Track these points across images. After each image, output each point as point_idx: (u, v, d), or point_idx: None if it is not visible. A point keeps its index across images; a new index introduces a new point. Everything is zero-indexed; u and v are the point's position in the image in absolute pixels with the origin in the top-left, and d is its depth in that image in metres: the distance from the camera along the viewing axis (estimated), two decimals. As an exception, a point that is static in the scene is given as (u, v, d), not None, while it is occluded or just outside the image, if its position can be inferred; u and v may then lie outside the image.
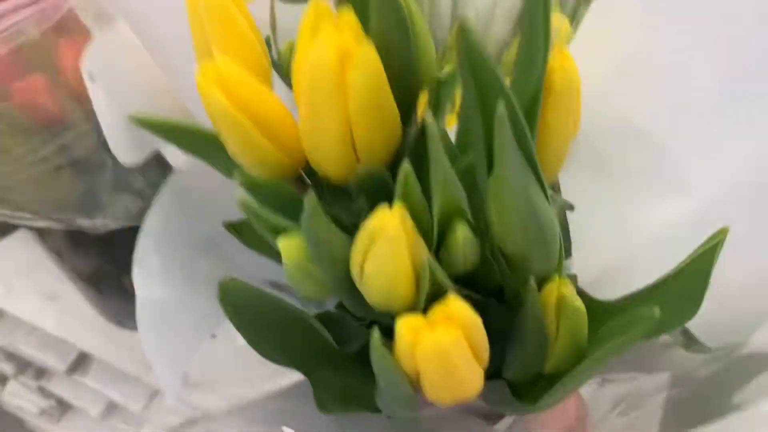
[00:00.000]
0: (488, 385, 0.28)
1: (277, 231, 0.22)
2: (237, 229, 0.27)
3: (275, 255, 0.24)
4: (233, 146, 0.21)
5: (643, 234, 0.30)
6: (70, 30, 0.44)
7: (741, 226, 0.25)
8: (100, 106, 0.24)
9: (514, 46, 0.51)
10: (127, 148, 0.26)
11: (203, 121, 0.23)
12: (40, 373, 0.98)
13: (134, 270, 0.28)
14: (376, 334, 0.20)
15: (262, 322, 0.26)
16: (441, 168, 0.21)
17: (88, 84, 0.23)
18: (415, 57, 0.22)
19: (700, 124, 0.28)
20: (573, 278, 0.28)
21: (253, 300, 0.25)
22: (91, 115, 0.35)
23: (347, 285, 0.22)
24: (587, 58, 0.28)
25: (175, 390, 0.28)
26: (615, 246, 0.31)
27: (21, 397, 1.04)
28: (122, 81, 0.25)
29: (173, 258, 0.29)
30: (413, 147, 0.23)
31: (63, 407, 1.05)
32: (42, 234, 0.59)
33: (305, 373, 0.27)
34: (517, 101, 0.20)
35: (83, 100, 0.37)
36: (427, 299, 0.21)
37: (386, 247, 0.20)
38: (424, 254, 0.21)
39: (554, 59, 0.21)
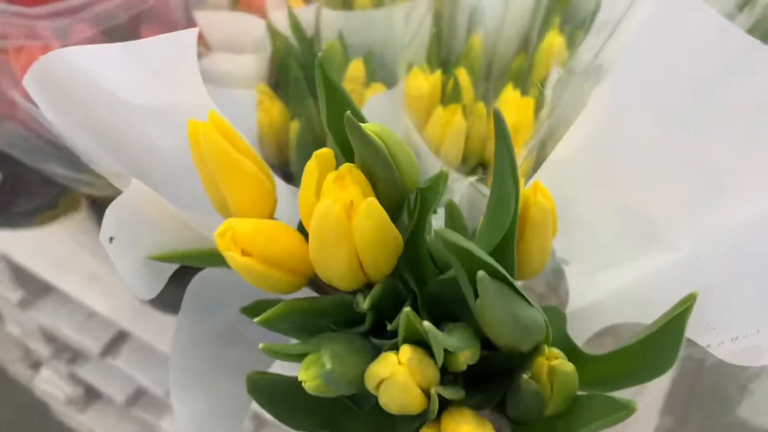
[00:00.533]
0: (494, 419, 0.30)
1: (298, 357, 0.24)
2: (252, 311, 0.29)
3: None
4: (251, 282, 0.23)
5: (631, 281, 0.31)
6: (152, 20, 0.46)
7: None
8: (119, 261, 0.26)
9: (518, 59, 0.52)
10: (145, 285, 0.27)
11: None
12: (74, 357, 1.00)
13: (171, 390, 0.29)
14: None
15: (290, 402, 0.28)
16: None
17: (105, 245, 0.25)
18: (397, 175, 0.23)
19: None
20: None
21: (277, 386, 0.27)
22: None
23: (365, 396, 0.24)
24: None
25: None
26: (607, 287, 0.32)
27: (52, 384, 1.07)
28: (140, 231, 0.26)
29: (203, 361, 0.30)
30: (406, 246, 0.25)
31: (90, 396, 1.08)
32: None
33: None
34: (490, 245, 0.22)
35: None
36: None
37: (395, 388, 0.22)
38: (431, 376, 0.23)
39: (530, 193, 0.23)
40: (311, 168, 0.22)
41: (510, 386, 0.28)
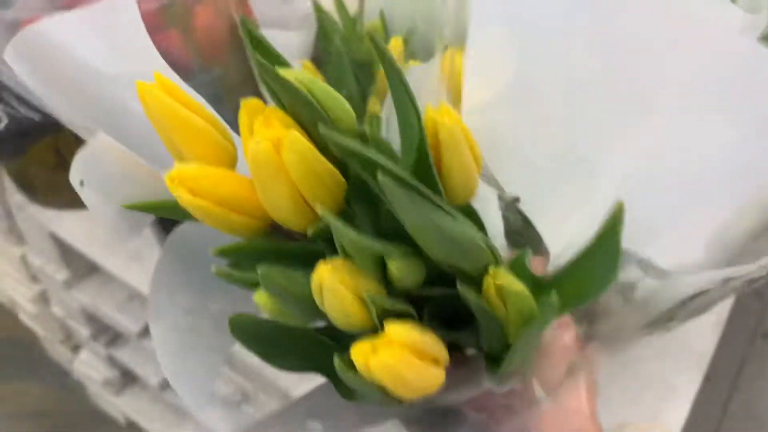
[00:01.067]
0: (470, 358, 0.31)
1: (253, 284, 0.26)
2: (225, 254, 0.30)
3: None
4: (207, 221, 0.25)
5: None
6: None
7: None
8: (93, 206, 0.27)
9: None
10: (124, 229, 0.29)
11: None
12: (113, 339, 1.04)
13: (149, 316, 0.31)
14: (338, 361, 0.24)
15: (271, 342, 0.29)
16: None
17: (77, 189, 0.26)
18: (326, 118, 0.25)
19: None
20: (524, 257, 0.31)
21: (259, 327, 0.29)
22: (211, 67, 0.38)
23: (319, 314, 0.26)
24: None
25: (202, 409, 0.31)
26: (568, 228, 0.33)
27: (90, 366, 1.11)
28: (109, 178, 0.28)
29: (183, 299, 0.32)
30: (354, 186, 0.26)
31: (126, 379, 1.11)
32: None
33: (322, 373, 0.30)
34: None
35: (206, 56, 0.43)
36: (381, 319, 0.25)
37: (330, 294, 0.24)
38: (369, 289, 0.24)
39: (438, 116, 0.24)
40: (242, 118, 0.24)
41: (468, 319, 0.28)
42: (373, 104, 0.47)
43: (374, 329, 0.25)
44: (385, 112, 0.36)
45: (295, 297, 0.25)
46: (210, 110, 0.26)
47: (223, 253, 0.26)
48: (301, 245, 0.28)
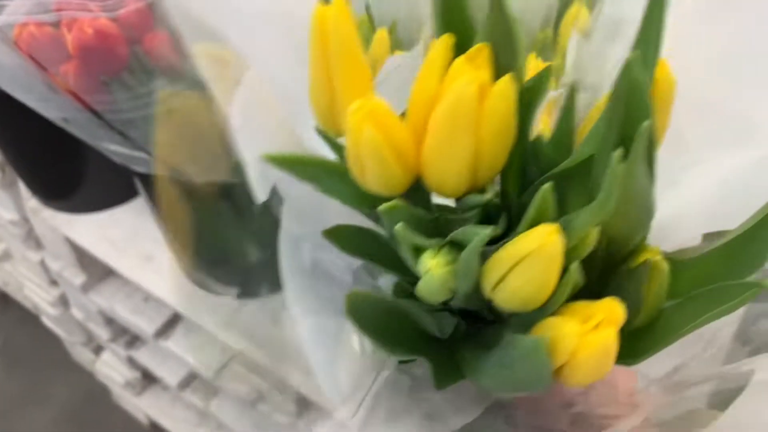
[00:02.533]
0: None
1: (418, 250, 0.21)
2: (333, 234, 0.26)
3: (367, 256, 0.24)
4: (370, 171, 0.21)
5: (717, 185, 0.28)
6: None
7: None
8: (246, 151, 0.23)
9: (544, 31, 0.50)
10: (264, 184, 0.25)
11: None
12: (132, 340, 0.98)
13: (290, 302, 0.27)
14: (541, 343, 0.20)
15: (384, 325, 0.25)
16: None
17: (235, 131, 0.22)
18: (517, 62, 0.21)
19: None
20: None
21: (376, 306, 0.25)
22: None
23: (475, 293, 0.22)
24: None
25: (343, 397, 0.27)
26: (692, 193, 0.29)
27: (112, 368, 1.05)
28: (258, 126, 0.23)
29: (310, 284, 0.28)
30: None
31: (146, 380, 1.06)
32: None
33: (426, 358, 0.26)
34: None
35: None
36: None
37: (542, 262, 0.19)
38: (571, 261, 0.20)
39: (658, 71, 0.20)
40: (437, 54, 0.19)
41: (608, 286, 0.25)
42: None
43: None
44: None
45: (466, 274, 0.21)
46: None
47: (383, 207, 0.21)
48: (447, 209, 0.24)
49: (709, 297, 0.23)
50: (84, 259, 0.86)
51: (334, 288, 0.27)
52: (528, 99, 0.23)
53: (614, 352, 0.20)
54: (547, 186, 0.19)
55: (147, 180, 0.53)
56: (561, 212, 0.23)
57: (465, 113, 0.19)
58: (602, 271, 0.25)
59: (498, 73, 0.20)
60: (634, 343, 0.25)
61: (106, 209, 0.76)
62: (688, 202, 0.29)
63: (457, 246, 0.21)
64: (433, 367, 0.26)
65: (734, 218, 0.24)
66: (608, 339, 0.19)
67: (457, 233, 0.21)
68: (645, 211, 0.21)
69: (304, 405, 0.77)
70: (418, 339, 0.27)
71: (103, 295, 0.90)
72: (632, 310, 0.24)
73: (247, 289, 0.64)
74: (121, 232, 0.76)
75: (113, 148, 0.46)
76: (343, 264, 0.28)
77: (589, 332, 0.19)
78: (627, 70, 0.18)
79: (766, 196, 0.23)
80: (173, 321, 0.87)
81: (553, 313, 0.21)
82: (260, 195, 0.24)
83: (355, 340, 0.27)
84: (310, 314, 0.26)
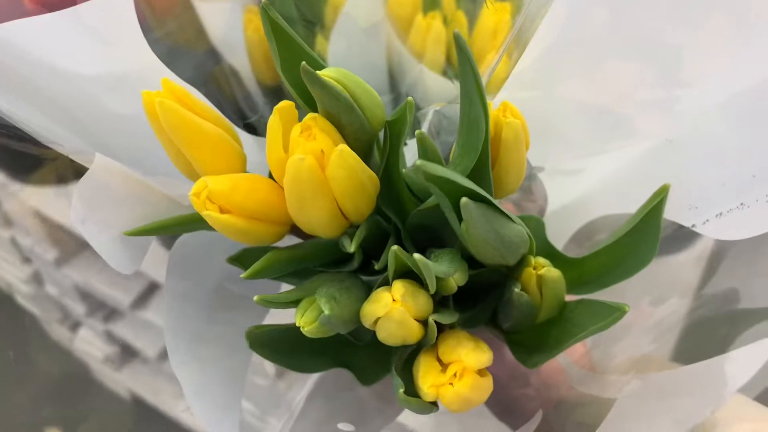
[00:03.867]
0: (487, 332, 0.28)
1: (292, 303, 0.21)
2: (239, 260, 0.26)
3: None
4: (234, 238, 0.21)
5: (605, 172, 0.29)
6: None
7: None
8: (97, 242, 0.23)
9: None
10: (127, 259, 0.24)
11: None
12: (109, 314, 0.98)
13: (171, 361, 0.27)
14: (402, 396, 0.20)
15: (292, 348, 0.25)
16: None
17: (79, 228, 0.22)
18: (363, 118, 0.20)
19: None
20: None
21: (277, 336, 0.25)
22: (165, 22, 0.34)
23: (362, 330, 0.22)
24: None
25: None
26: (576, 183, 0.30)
27: (90, 344, 1.06)
28: (110, 207, 0.23)
29: (193, 335, 0.28)
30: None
31: (126, 354, 1.07)
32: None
33: (343, 366, 0.27)
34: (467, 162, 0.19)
35: (159, 10, 0.36)
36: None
37: (395, 325, 0.20)
38: (426, 307, 0.20)
39: (500, 113, 0.20)
40: (274, 122, 0.19)
41: (500, 299, 0.26)
42: (320, 44, 0.43)
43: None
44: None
45: (343, 320, 0.21)
46: (212, 108, 0.22)
47: (255, 274, 0.21)
48: (321, 245, 0.24)
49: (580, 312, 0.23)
50: (55, 234, 0.85)
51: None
52: (394, 131, 0.23)
53: (479, 393, 0.20)
54: (395, 248, 0.19)
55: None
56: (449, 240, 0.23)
57: (306, 184, 0.19)
58: (492, 285, 0.25)
59: (344, 132, 0.20)
60: (540, 339, 0.25)
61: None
62: (582, 187, 0.30)
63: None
64: (355, 372, 0.27)
65: (630, 201, 0.25)
66: (462, 390, 0.19)
67: (319, 289, 0.21)
68: (504, 246, 0.21)
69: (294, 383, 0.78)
70: (335, 349, 0.27)
71: (77, 269, 0.90)
72: (529, 314, 0.25)
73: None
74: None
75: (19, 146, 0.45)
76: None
77: (445, 385, 0.20)
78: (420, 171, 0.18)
79: (649, 183, 0.24)
80: (150, 290, 0.87)
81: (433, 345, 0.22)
82: (125, 268, 0.24)
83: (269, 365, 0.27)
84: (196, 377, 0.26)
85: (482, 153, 0.20)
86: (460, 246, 0.23)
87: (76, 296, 0.96)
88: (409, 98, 0.21)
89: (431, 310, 0.21)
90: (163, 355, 0.95)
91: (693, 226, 0.25)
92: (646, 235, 0.24)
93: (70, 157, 0.24)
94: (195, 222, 0.22)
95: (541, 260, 0.24)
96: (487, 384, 0.21)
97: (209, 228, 0.23)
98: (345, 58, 0.38)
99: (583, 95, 0.27)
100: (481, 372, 0.22)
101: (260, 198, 0.20)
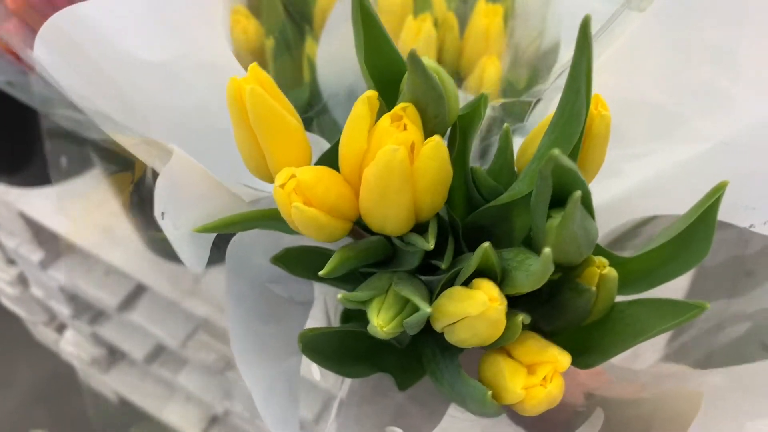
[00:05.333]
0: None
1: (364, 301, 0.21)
2: (282, 260, 0.25)
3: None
4: (307, 233, 0.20)
5: (657, 173, 0.29)
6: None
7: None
8: (172, 235, 0.22)
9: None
10: (196, 256, 0.23)
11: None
12: (96, 316, 0.96)
13: (239, 367, 0.26)
14: (489, 397, 0.20)
15: (340, 352, 0.25)
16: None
17: (160, 222, 0.21)
18: (447, 111, 0.20)
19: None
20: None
21: (328, 339, 0.24)
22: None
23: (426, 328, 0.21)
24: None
25: None
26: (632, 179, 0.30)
27: (76, 346, 1.03)
28: (185, 202, 0.22)
29: (257, 336, 0.27)
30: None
31: (112, 356, 1.04)
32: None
33: (387, 372, 0.26)
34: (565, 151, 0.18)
35: None
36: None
37: (485, 324, 0.19)
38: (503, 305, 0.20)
39: (593, 107, 0.20)
40: (362, 112, 0.18)
41: (549, 299, 0.25)
42: (310, 46, 0.42)
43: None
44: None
45: (417, 320, 0.20)
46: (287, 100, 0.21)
47: (331, 272, 0.20)
48: (380, 243, 0.23)
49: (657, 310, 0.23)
50: (41, 235, 0.83)
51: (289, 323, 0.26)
52: (465, 126, 0.22)
53: (560, 394, 0.19)
54: (486, 245, 0.19)
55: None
56: (502, 240, 0.23)
57: (395, 176, 0.18)
58: (552, 285, 0.25)
59: (427, 124, 0.19)
60: (588, 340, 0.25)
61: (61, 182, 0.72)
62: (628, 188, 0.29)
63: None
64: (395, 376, 0.27)
65: (679, 203, 0.24)
66: (554, 391, 0.19)
67: (400, 288, 0.20)
68: (586, 245, 0.20)
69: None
70: (376, 353, 0.27)
71: (62, 270, 0.88)
72: (581, 317, 0.24)
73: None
74: (77, 204, 0.73)
75: (61, 113, 0.43)
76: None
77: (535, 386, 0.19)
78: (551, 162, 0.17)
79: (699, 185, 0.23)
80: (136, 293, 0.86)
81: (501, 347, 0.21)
82: (197, 266, 0.23)
83: (315, 369, 0.26)
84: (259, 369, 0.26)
85: (575, 147, 0.20)
86: (528, 246, 0.22)
87: (62, 298, 0.94)
88: (484, 92, 0.21)
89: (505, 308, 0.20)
90: (151, 357, 0.93)
91: (751, 226, 0.25)
92: (700, 233, 0.23)
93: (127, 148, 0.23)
94: (265, 218, 0.21)
95: (603, 260, 0.23)
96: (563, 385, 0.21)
97: (273, 226, 0.22)
98: (334, 59, 0.38)
99: (640, 92, 0.27)
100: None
101: (339, 192, 0.19)
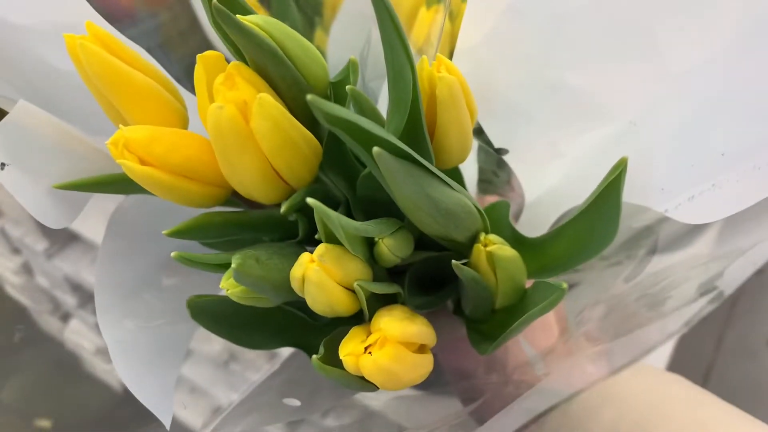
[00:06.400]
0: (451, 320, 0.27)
1: (219, 266, 0.20)
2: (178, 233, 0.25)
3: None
4: (162, 195, 0.20)
5: (572, 160, 0.28)
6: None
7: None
8: (18, 190, 0.21)
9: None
10: (57, 214, 0.23)
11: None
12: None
13: (98, 316, 0.26)
14: (316, 362, 0.19)
15: (238, 322, 0.24)
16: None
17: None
18: (296, 72, 0.19)
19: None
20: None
21: (222, 307, 0.24)
22: (156, 12, 0.34)
23: (295, 298, 0.21)
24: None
25: (170, 415, 0.26)
26: (548, 172, 0.29)
27: (81, 335, 1.05)
28: (37, 155, 0.22)
29: (128, 294, 0.27)
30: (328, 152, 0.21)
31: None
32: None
33: (299, 347, 0.26)
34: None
35: None
36: (371, 305, 0.20)
37: (316, 288, 0.18)
38: (356, 274, 0.19)
39: (435, 70, 0.19)
40: (199, 73, 0.18)
41: (455, 280, 0.24)
42: (319, 38, 0.42)
43: (357, 315, 0.21)
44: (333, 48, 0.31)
45: (272, 284, 0.20)
46: (155, 65, 0.21)
47: (179, 233, 0.20)
48: (266, 214, 0.23)
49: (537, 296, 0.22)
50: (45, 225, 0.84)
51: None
52: (340, 93, 0.22)
53: (398, 367, 0.19)
54: (309, 200, 0.18)
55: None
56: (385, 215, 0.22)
57: (229, 135, 0.17)
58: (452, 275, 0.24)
59: (279, 89, 0.18)
60: (497, 325, 0.24)
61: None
62: (555, 177, 0.29)
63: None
64: (306, 351, 0.26)
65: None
66: (383, 359, 0.18)
67: (240, 252, 0.20)
68: (447, 214, 0.20)
69: (276, 361, 0.77)
70: (289, 329, 0.26)
71: (67, 260, 0.89)
72: (483, 299, 0.24)
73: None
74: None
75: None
76: None
77: (363, 355, 0.19)
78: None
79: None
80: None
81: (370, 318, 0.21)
82: (53, 223, 0.23)
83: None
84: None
85: (413, 109, 0.19)
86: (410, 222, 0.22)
87: (67, 287, 0.95)
88: (352, 57, 0.20)
89: (366, 279, 0.20)
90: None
91: (666, 211, 0.24)
92: (607, 211, 0.23)
93: None
94: (127, 181, 0.21)
95: (493, 237, 0.22)
96: (421, 361, 0.20)
97: (145, 190, 0.22)
98: (345, 51, 0.37)
99: (548, 73, 0.26)
100: (421, 348, 0.20)
101: (189, 154, 0.19)
